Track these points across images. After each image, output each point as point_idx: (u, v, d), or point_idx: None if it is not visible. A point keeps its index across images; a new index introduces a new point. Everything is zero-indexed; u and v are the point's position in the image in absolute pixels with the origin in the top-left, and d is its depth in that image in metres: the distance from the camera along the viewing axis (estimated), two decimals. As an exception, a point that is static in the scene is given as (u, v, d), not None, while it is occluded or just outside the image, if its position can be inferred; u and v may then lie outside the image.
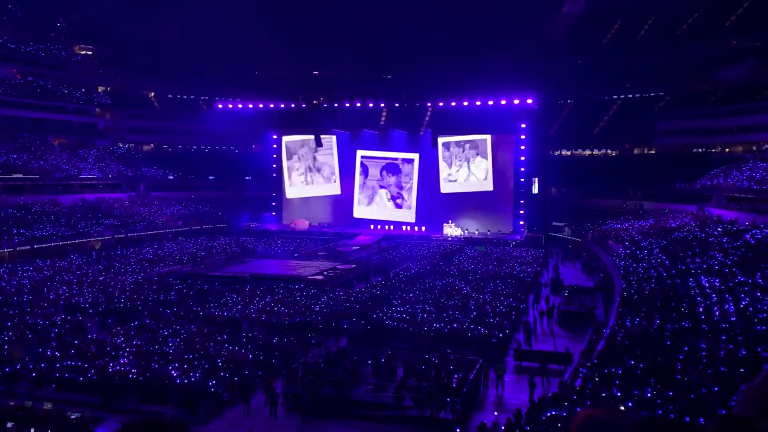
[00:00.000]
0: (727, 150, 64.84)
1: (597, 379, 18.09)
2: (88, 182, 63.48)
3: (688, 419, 12.93)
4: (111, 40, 79.35)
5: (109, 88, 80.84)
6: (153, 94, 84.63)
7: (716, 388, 14.98)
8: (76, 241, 50.82)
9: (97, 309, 30.94)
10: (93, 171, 65.22)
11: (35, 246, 47.13)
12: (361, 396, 20.84)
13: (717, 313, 22.55)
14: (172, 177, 73.42)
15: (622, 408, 13.49)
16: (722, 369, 16.50)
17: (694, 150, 68.12)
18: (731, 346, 18.46)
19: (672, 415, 13.35)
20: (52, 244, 48.54)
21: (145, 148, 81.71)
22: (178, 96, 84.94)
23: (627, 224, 52.43)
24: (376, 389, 21.13)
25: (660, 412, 13.78)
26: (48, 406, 18.88)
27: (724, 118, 64.04)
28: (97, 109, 76.42)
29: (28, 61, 70.87)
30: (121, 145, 76.78)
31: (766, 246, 30.63)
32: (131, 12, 77.57)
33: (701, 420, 12.51)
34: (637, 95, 75.48)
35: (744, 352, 17.51)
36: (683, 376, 16.75)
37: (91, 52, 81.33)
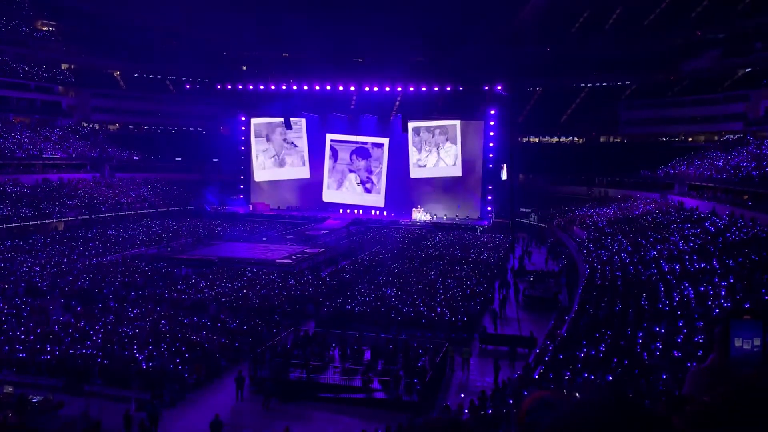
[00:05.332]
0: (690, 139, 66.14)
1: (559, 362, 18.50)
2: (51, 162, 61.91)
3: (648, 402, 13.30)
4: (75, 16, 77.00)
5: (73, 66, 78.63)
6: (119, 72, 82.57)
7: (670, 373, 15.43)
8: (39, 222, 49.75)
9: (60, 291, 30.44)
10: (56, 150, 63.64)
11: (-5, 227, 46.05)
12: (329, 379, 20.97)
13: (677, 298, 23.17)
14: (137, 158, 72.04)
15: (575, 390, 13.79)
16: (676, 354, 16.99)
17: (659, 139, 69.38)
18: (685, 330, 19.03)
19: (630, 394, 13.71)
20: (13, 225, 47.42)
21: (111, 127, 79.84)
22: (145, 75, 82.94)
23: (592, 211, 53.29)
24: (343, 372, 21.28)
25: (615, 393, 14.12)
26: (9, 389, 18.60)
27: (687, 108, 65.31)
28: (61, 87, 74.38)
29: (-13, 36, 68.58)
30: (86, 125, 74.91)
31: (723, 233, 31.49)
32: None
33: (648, 402, 12.88)
34: (604, 84, 76.46)
35: (701, 337, 18.03)
36: (640, 360, 17.23)
37: (54, 28, 78.91)
